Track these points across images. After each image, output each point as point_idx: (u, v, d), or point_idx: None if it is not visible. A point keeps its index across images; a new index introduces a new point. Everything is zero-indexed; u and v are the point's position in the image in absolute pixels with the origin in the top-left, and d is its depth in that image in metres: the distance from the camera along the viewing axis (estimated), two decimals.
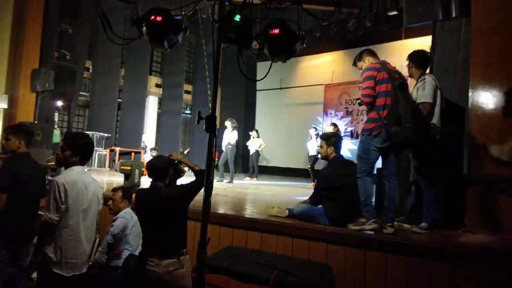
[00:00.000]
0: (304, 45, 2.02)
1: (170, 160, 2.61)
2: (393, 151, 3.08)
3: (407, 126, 2.82)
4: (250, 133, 9.96)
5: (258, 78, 11.69)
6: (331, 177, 3.31)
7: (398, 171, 3.12)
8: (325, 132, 3.79)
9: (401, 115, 2.86)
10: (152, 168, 2.54)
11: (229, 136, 8.00)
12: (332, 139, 3.49)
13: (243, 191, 6.48)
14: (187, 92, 13.86)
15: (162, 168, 2.53)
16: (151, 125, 14.32)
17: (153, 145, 13.16)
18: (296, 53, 1.99)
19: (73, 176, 2.33)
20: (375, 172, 3.23)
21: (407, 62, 3.26)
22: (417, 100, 3.10)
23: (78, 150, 2.36)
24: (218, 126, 11.20)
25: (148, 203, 2.48)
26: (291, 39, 1.93)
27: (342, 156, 3.54)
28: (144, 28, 1.84)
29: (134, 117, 11.09)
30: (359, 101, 3.16)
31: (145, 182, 3.35)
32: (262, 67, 11.55)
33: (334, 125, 7.85)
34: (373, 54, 3.24)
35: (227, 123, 8.16)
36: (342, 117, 10.99)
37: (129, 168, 4.43)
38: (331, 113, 11.29)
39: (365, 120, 3.17)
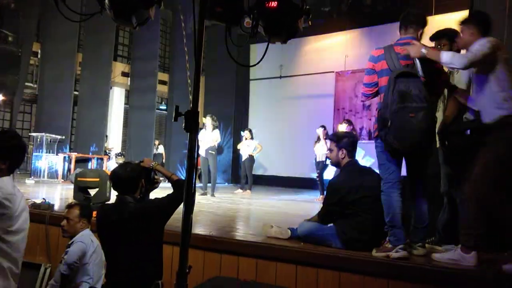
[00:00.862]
0: (310, 22, 2.03)
1: (141, 167, 2.61)
2: (416, 158, 3.09)
3: (389, 132, 2.84)
4: (242, 133, 9.97)
5: (251, 64, 11.72)
6: (344, 188, 3.31)
7: (425, 180, 3.12)
8: (336, 132, 3.80)
9: (387, 117, 2.86)
10: (118, 178, 2.54)
11: (210, 138, 7.99)
12: (344, 140, 3.50)
13: (234, 206, 6.46)
14: (162, 82, 13.87)
15: (130, 178, 2.53)
16: (117, 124, 14.30)
17: (119, 150, 13.14)
18: (299, 32, 2.00)
19: (7, 188, 2.09)
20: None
21: (460, 28, 3.06)
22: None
23: (6, 155, 2.10)
24: (201, 125, 11.24)
25: (113, 222, 2.48)
26: (292, 15, 1.94)
27: (357, 162, 3.55)
28: (106, 1, 1.83)
29: (95, 115, 11.07)
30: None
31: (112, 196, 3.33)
32: (257, 50, 11.58)
33: (348, 122, 7.89)
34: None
35: (206, 121, 8.14)
36: (357, 113, 11.04)
37: (97, 179, 4.42)
38: (343, 108, 11.35)
39: None
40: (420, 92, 2.82)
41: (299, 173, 11.49)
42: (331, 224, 3.37)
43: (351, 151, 3.50)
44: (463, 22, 2.99)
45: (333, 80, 11.51)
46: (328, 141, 3.69)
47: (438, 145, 3.34)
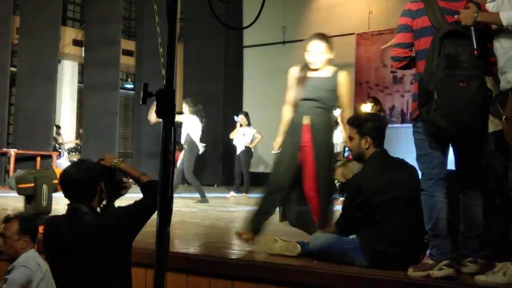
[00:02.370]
0: None
1: (99, 167, 2.61)
2: (468, 144, 3.10)
3: (434, 108, 2.85)
4: (236, 118, 9.98)
5: (244, 26, 11.65)
6: (369, 187, 3.31)
7: (480, 177, 3.14)
8: (358, 114, 3.83)
9: (431, 89, 2.88)
10: (69, 181, 2.55)
11: (186, 126, 7.98)
12: (368, 125, 3.49)
13: (226, 215, 6.47)
14: (127, 52, 13.81)
15: (85, 181, 2.53)
16: (69, 110, 14.25)
17: (72, 144, 13.11)
18: None
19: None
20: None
21: None
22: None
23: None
24: (178, 109, 11.30)
25: (64, 241, 2.47)
26: None
27: (386, 153, 3.55)
28: None
29: (39, 98, 11.04)
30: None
31: (62, 205, 3.33)
32: (251, 8, 11.52)
33: (375, 100, 7.89)
34: None
35: (183, 108, 8.20)
36: (386, 88, 11.04)
37: (31, 185, 4.42)
38: (368, 82, 11.36)
39: None
40: (472, 58, 2.86)
41: None
42: (353, 236, 3.39)
43: (378, 139, 3.49)
44: None
45: (354, 45, 11.51)
46: (348, 127, 3.69)
47: (490, 129, 3.34)
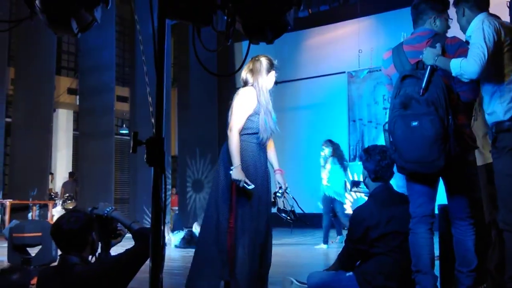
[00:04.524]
0: (309, 10, 2.06)
1: (89, 217, 2.61)
2: (458, 175, 3.12)
3: (394, 148, 2.95)
4: None
5: (234, 70, 11.79)
6: (371, 219, 3.36)
7: (473, 209, 3.14)
8: (368, 146, 3.90)
9: (389, 131, 3.02)
10: (59, 232, 2.53)
11: None
12: (368, 161, 3.57)
13: None
14: (122, 99, 13.92)
15: (74, 231, 2.52)
16: (64, 158, 14.27)
17: (68, 193, 13.03)
18: (290, 27, 2.04)
19: None
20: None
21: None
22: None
23: None
24: (174, 153, 11.12)
25: None
26: (279, 5, 1.98)
27: (390, 187, 3.59)
28: (37, 2, 1.87)
29: (35, 147, 11.06)
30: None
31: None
32: (242, 50, 11.71)
33: (327, 143, 7.92)
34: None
35: None
36: (379, 124, 11.12)
37: (38, 234, 4.40)
38: (361, 119, 11.41)
39: None
40: (431, 95, 2.89)
41: (307, 207, 11.41)
42: (350, 273, 3.38)
43: (381, 172, 3.53)
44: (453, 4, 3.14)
45: (345, 83, 11.62)
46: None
47: (480, 162, 3.38)
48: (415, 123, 2.87)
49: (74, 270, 2.44)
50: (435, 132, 2.84)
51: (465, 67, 2.82)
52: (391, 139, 2.97)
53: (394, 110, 2.95)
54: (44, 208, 10.93)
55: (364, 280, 3.26)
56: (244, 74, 3.71)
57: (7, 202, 10.28)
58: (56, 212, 11.06)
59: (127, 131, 14.61)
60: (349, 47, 11.54)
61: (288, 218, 3.78)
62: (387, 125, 3.13)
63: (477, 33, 2.89)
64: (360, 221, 3.42)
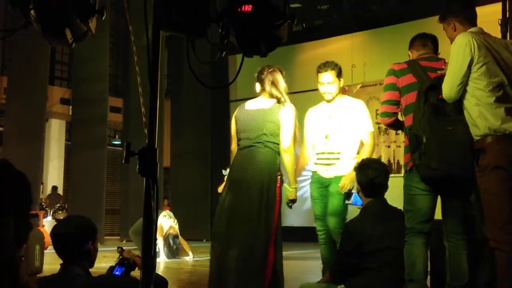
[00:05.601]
0: (304, 25, 2.08)
1: (92, 226, 2.57)
2: (454, 193, 3.17)
3: (424, 151, 2.98)
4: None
5: (230, 80, 11.82)
6: (363, 233, 3.36)
7: (465, 225, 3.17)
8: (363, 160, 3.93)
9: (420, 134, 3.02)
10: (58, 236, 2.50)
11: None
12: (359, 175, 3.59)
13: None
14: (115, 109, 13.91)
15: (74, 236, 2.49)
16: (56, 168, 14.21)
17: (59, 203, 12.99)
18: (284, 41, 2.06)
19: None
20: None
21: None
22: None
23: None
24: (167, 163, 11.05)
25: None
26: (272, 20, 2.00)
27: (383, 202, 3.58)
28: (32, 12, 1.88)
29: (27, 157, 10.99)
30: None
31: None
32: (237, 63, 11.71)
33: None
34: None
35: None
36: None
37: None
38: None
39: None
40: (455, 106, 3.00)
41: (298, 222, 11.38)
42: (342, 286, 3.38)
43: (373, 187, 3.53)
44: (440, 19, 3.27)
45: None
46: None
47: None
48: (450, 128, 2.99)
49: (76, 282, 2.39)
50: (468, 138, 2.93)
51: (444, 89, 2.98)
52: (424, 141, 2.99)
53: (426, 114, 3.01)
54: (35, 218, 10.84)
55: None
56: (268, 87, 3.76)
57: None
58: (46, 222, 10.99)
59: (119, 142, 14.58)
60: (341, 61, 11.53)
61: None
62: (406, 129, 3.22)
63: (453, 53, 3.01)
64: (352, 235, 3.44)
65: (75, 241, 2.48)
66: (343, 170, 4.05)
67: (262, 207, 3.45)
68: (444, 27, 3.25)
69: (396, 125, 3.47)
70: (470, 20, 3.15)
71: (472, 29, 3.08)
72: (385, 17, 10.85)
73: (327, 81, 4.28)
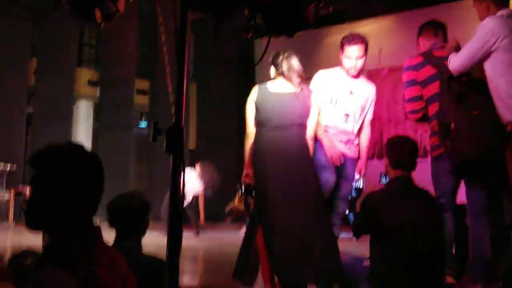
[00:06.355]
0: (331, 8, 2.08)
1: (147, 201, 2.59)
2: (481, 176, 3.18)
3: (454, 137, 3.05)
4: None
5: (255, 62, 11.79)
6: (378, 207, 3.22)
7: (488, 206, 3.21)
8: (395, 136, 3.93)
9: (448, 121, 3.08)
10: (122, 213, 2.48)
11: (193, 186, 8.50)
12: (388, 147, 3.44)
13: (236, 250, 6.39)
14: (142, 92, 13.98)
15: (138, 214, 2.50)
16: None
17: None
18: (310, 22, 2.06)
19: None
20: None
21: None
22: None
23: None
24: (194, 146, 11.14)
25: None
26: (299, 2, 2.01)
27: (408, 179, 3.28)
28: None
29: (55, 138, 11.11)
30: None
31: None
32: (263, 47, 11.68)
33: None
34: None
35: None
36: (398, 124, 11.17)
37: None
38: (380, 118, 11.32)
39: None
40: (477, 90, 3.07)
41: None
42: None
43: (399, 161, 3.27)
44: None
45: None
46: None
47: None
48: (475, 112, 3.04)
49: (133, 257, 2.21)
50: (497, 121, 2.97)
51: (452, 60, 3.08)
52: (452, 127, 3.05)
53: (452, 101, 3.08)
54: None
55: (374, 263, 3.33)
56: (287, 71, 3.71)
57: (28, 190, 10.40)
58: None
59: (146, 124, 14.66)
60: (369, 45, 11.47)
61: None
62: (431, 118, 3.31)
63: (477, 33, 3.06)
64: (368, 208, 3.31)
65: (140, 216, 2.53)
66: (356, 154, 3.96)
67: (315, 190, 3.49)
68: (476, 6, 3.22)
69: (424, 118, 3.55)
70: (503, 0, 3.15)
71: (504, 11, 3.05)
72: (414, 1, 10.69)
73: (356, 56, 3.94)
